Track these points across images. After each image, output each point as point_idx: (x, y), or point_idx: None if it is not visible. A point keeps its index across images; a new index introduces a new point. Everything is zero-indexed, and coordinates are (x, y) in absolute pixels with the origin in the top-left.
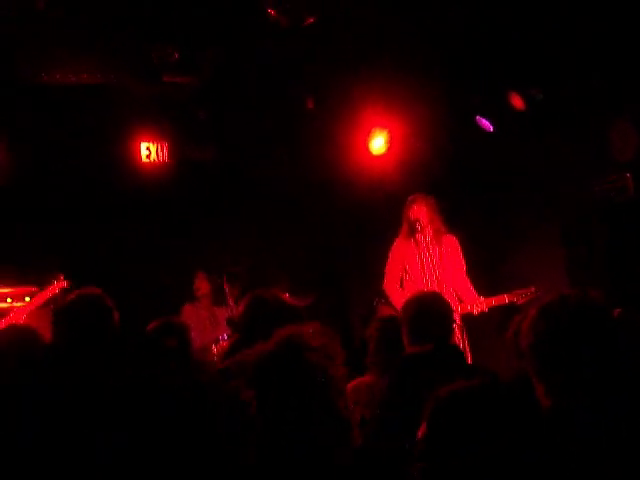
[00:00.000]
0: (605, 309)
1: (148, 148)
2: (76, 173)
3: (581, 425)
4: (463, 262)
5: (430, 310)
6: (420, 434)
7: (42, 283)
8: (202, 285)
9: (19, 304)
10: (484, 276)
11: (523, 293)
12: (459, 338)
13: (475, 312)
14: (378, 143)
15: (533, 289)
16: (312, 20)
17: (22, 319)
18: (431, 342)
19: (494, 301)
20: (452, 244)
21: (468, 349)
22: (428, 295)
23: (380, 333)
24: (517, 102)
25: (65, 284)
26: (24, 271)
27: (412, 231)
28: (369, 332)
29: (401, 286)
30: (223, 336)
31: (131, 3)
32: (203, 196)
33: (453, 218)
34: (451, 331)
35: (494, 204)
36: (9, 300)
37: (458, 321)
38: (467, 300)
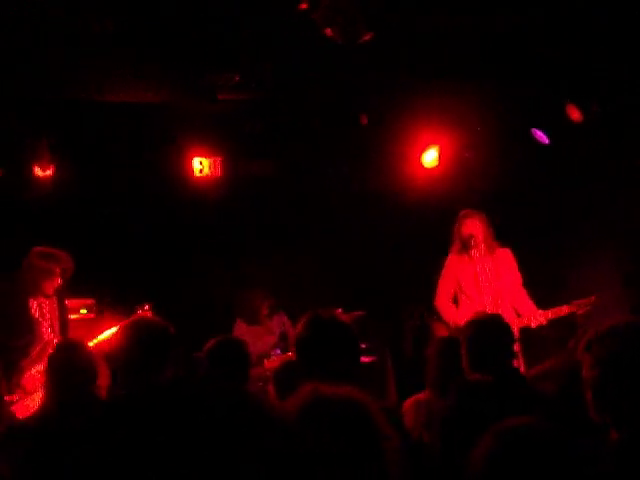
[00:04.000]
0: None
1: (201, 163)
2: (131, 188)
3: None
4: (519, 275)
5: (490, 333)
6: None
7: (96, 295)
8: (258, 301)
9: (75, 316)
10: (541, 290)
11: (583, 303)
12: (516, 352)
13: (533, 325)
14: (430, 156)
15: (593, 298)
16: (368, 37)
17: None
18: (491, 366)
19: (552, 313)
20: (507, 257)
21: (523, 363)
22: (489, 317)
23: (440, 353)
24: (574, 114)
25: (150, 314)
26: (78, 283)
27: (466, 247)
28: (429, 351)
29: (454, 302)
30: (276, 351)
31: (190, 27)
32: (256, 211)
33: (505, 232)
34: (512, 355)
35: (548, 217)
36: None
37: (516, 335)
38: (525, 313)
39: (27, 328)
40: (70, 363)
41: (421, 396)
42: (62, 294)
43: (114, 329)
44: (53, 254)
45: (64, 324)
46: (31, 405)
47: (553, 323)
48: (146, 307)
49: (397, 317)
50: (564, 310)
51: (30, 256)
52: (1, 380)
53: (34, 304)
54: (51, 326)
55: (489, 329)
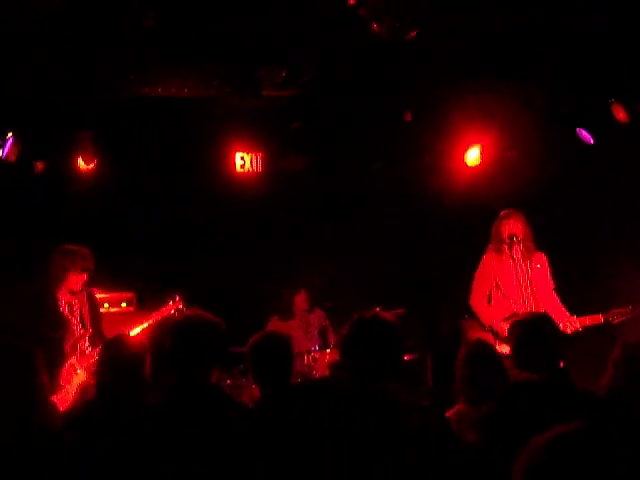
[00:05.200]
0: None
1: (242, 158)
2: (172, 182)
3: None
4: (552, 281)
5: (540, 333)
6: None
7: (136, 289)
8: (300, 301)
9: (115, 309)
10: (579, 294)
11: (620, 313)
12: None
13: (569, 331)
14: (473, 155)
15: (630, 308)
16: (414, 34)
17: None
18: (539, 366)
19: (589, 320)
20: (542, 262)
21: None
22: (537, 317)
23: (471, 361)
24: (620, 114)
25: (181, 305)
26: (119, 277)
27: (507, 246)
28: (461, 356)
29: (489, 302)
30: (315, 347)
31: (236, 22)
32: (296, 206)
33: (546, 232)
34: (561, 355)
35: (591, 218)
36: (106, 305)
37: None
38: (557, 318)
39: (59, 323)
40: (120, 356)
41: (459, 408)
42: (91, 289)
43: (147, 323)
44: (73, 251)
45: (95, 319)
46: (66, 398)
47: (589, 328)
48: (177, 298)
49: (436, 315)
50: (600, 319)
51: (53, 254)
52: (43, 371)
53: (62, 301)
54: (82, 321)
55: (539, 328)
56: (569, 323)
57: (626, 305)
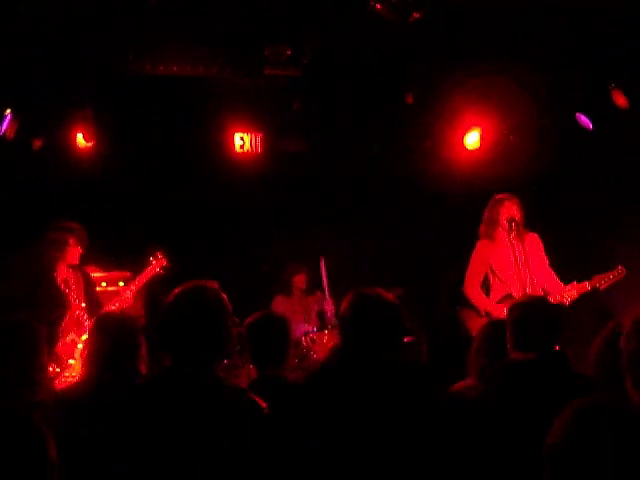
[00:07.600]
0: None
1: (242, 138)
2: (171, 162)
3: None
4: (546, 258)
5: (538, 315)
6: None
7: (136, 267)
8: (299, 281)
9: (112, 288)
10: (575, 275)
11: (604, 278)
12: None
13: (566, 302)
14: (472, 138)
15: (615, 273)
16: (418, 15)
17: (130, 301)
18: (536, 348)
19: (576, 290)
20: (535, 242)
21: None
22: (536, 299)
23: (487, 338)
24: (620, 100)
25: (164, 262)
26: (117, 256)
27: (506, 230)
28: (477, 335)
29: (488, 290)
30: (313, 329)
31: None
32: (295, 187)
33: (543, 216)
34: (557, 337)
35: (589, 203)
36: (103, 284)
37: None
38: (554, 291)
39: (57, 301)
40: (111, 336)
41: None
42: (83, 266)
43: (133, 287)
44: (64, 225)
45: (90, 295)
46: (74, 371)
47: (584, 305)
48: (159, 255)
49: (434, 300)
50: (586, 287)
51: (52, 230)
52: (46, 351)
53: (59, 278)
54: (78, 297)
55: (537, 311)
56: (564, 295)
57: (608, 270)
